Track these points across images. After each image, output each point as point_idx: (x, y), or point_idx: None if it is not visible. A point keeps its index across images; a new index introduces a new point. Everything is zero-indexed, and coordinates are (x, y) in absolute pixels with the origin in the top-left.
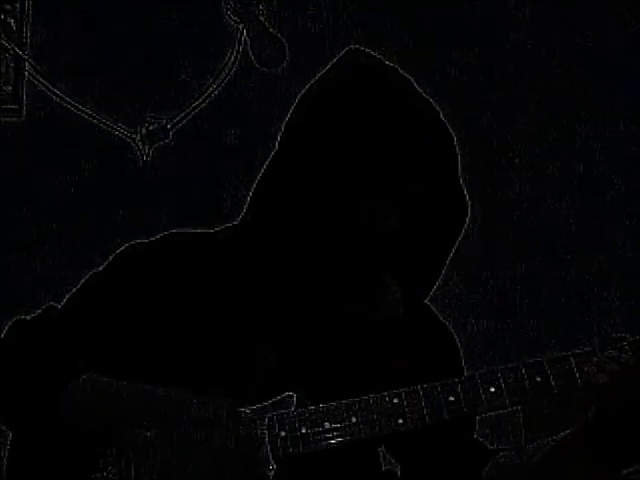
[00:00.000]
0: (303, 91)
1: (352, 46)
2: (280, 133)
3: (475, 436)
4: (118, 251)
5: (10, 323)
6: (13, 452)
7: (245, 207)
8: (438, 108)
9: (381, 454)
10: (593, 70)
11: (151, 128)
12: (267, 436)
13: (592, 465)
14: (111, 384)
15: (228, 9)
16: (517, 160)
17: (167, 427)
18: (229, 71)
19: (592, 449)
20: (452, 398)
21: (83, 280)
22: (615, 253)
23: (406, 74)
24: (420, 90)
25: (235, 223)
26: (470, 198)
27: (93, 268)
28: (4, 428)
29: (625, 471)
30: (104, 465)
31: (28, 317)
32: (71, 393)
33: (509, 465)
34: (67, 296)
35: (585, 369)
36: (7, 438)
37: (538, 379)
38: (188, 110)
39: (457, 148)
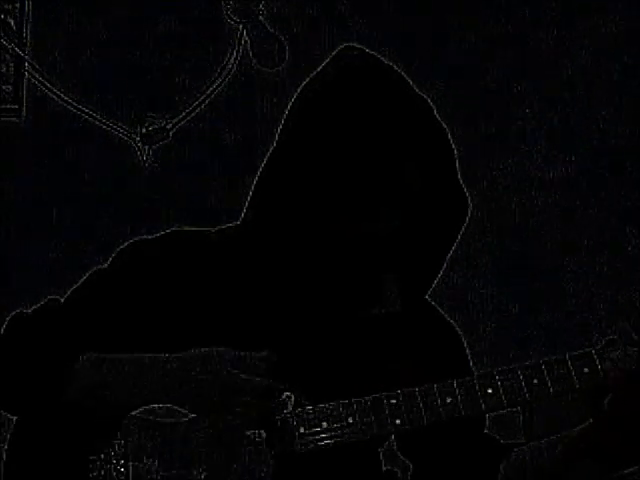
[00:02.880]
0: (298, 90)
1: (346, 44)
2: (277, 132)
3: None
4: (121, 247)
5: (10, 316)
6: (14, 441)
7: (245, 207)
8: (432, 105)
9: (381, 454)
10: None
11: (151, 128)
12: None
13: (595, 465)
14: (114, 360)
15: (228, 9)
16: (517, 158)
17: (172, 402)
18: (229, 71)
19: (596, 445)
20: (449, 399)
21: (86, 275)
22: (615, 253)
23: (402, 72)
24: (415, 87)
25: (236, 223)
26: (470, 195)
27: (93, 268)
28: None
29: (625, 471)
30: (108, 449)
31: (29, 310)
32: (75, 375)
33: (527, 462)
34: (70, 290)
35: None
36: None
37: (535, 381)
38: (188, 110)
39: (453, 144)
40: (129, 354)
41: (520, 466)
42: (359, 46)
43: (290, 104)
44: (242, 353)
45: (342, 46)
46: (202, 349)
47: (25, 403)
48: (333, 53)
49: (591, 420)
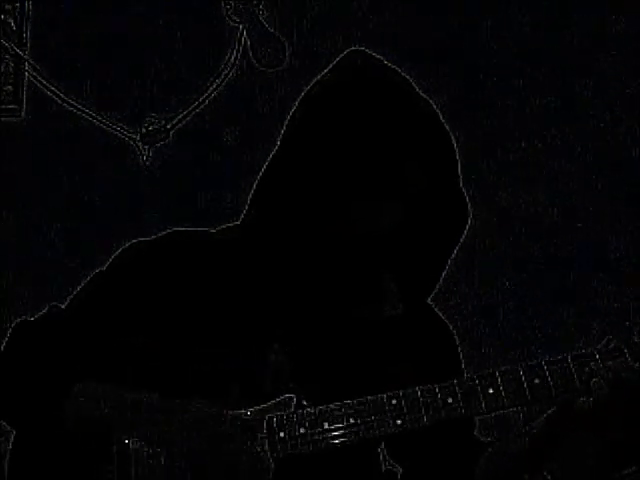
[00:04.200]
0: (304, 92)
1: (353, 48)
2: (281, 133)
3: (475, 433)
4: (121, 249)
5: (14, 324)
6: (15, 452)
7: (246, 207)
8: (436, 108)
9: (381, 454)
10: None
11: (151, 128)
12: (266, 437)
13: (596, 465)
14: (109, 391)
15: (228, 9)
16: (514, 158)
17: (166, 433)
18: (229, 71)
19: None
20: (450, 400)
21: (87, 279)
22: (615, 253)
23: (405, 74)
24: (419, 90)
25: (236, 223)
26: (468, 198)
27: (93, 268)
28: (7, 426)
29: (624, 471)
30: (104, 471)
31: (32, 318)
32: (73, 399)
33: (499, 452)
34: (71, 296)
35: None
36: (8, 437)
37: (537, 381)
38: (188, 110)
39: (456, 149)
40: (125, 390)
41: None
42: (365, 50)
43: (295, 106)
44: (229, 414)
45: (348, 50)
46: (195, 407)
47: (26, 415)
48: (339, 56)
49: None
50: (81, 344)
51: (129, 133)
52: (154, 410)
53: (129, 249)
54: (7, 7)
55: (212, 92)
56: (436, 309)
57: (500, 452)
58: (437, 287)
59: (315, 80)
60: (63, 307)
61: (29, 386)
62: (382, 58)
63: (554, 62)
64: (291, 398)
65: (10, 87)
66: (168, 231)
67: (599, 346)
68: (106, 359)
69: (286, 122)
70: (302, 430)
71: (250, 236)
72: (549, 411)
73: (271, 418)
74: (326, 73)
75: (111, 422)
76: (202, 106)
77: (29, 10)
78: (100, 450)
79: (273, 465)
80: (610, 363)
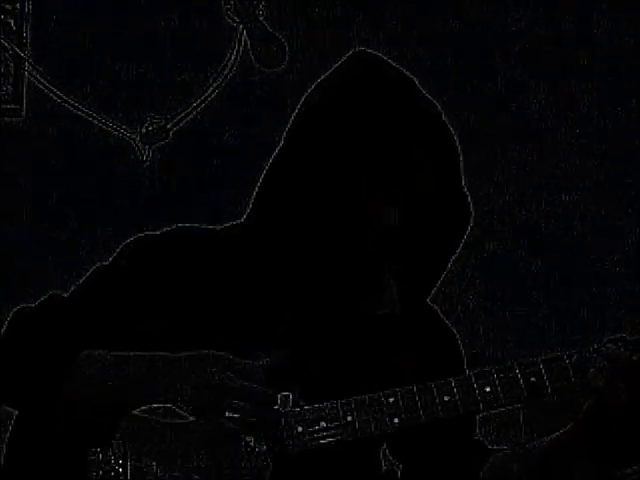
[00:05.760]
0: (308, 91)
1: (357, 48)
2: (285, 130)
3: (476, 436)
4: (125, 242)
5: (13, 311)
6: (15, 433)
7: (250, 205)
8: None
9: (381, 454)
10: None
11: (151, 128)
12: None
13: (592, 466)
14: (112, 357)
15: (228, 9)
16: (517, 158)
17: (170, 400)
18: (229, 71)
19: (589, 447)
20: (447, 398)
21: (89, 271)
22: (614, 253)
23: (408, 74)
24: (423, 90)
25: (240, 221)
26: (471, 196)
27: (93, 267)
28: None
29: (625, 471)
30: (107, 448)
31: (32, 305)
32: (75, 371)
33: (506, 466)
34: (73, 287)
35: (582, 366)
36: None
37: (533, 379)
38: (188, 110)
39: (459, 148)
40: (128, 352)
41: (502, 467)
42: (369, 50)
43: (299, 105)
44: (238, 359)
45: (352, 50)
46: (200, 351)
47: (25, 397)
48: (346, 55)
49: (584, 412)
50: (79, 333)
51: (129, 133)
52: (166, 364)
53: (134, 242)
54: (7, 7)
55: (212, 92)
56: (436, 308)
57: (511, 468)
58: (437, 287)
59: (319, 80)
60: (64, 296)
61: (27, 372)
62: (384, 57)
63: (554, 62)
64: (287, 396)
65: (10, 87)
66: (173, 227)
67: (596, 346)
68: (106, 343)
69: (290, 121)
70: (299, 429)
71: (254, 231)
72: (559, 432)
73: None
74: (330, 73)
75: (119, 387)
76: (202, 106)
77: (29, 10)
78: (103, 425)
79: (271, 463)
80: (607, 355)
